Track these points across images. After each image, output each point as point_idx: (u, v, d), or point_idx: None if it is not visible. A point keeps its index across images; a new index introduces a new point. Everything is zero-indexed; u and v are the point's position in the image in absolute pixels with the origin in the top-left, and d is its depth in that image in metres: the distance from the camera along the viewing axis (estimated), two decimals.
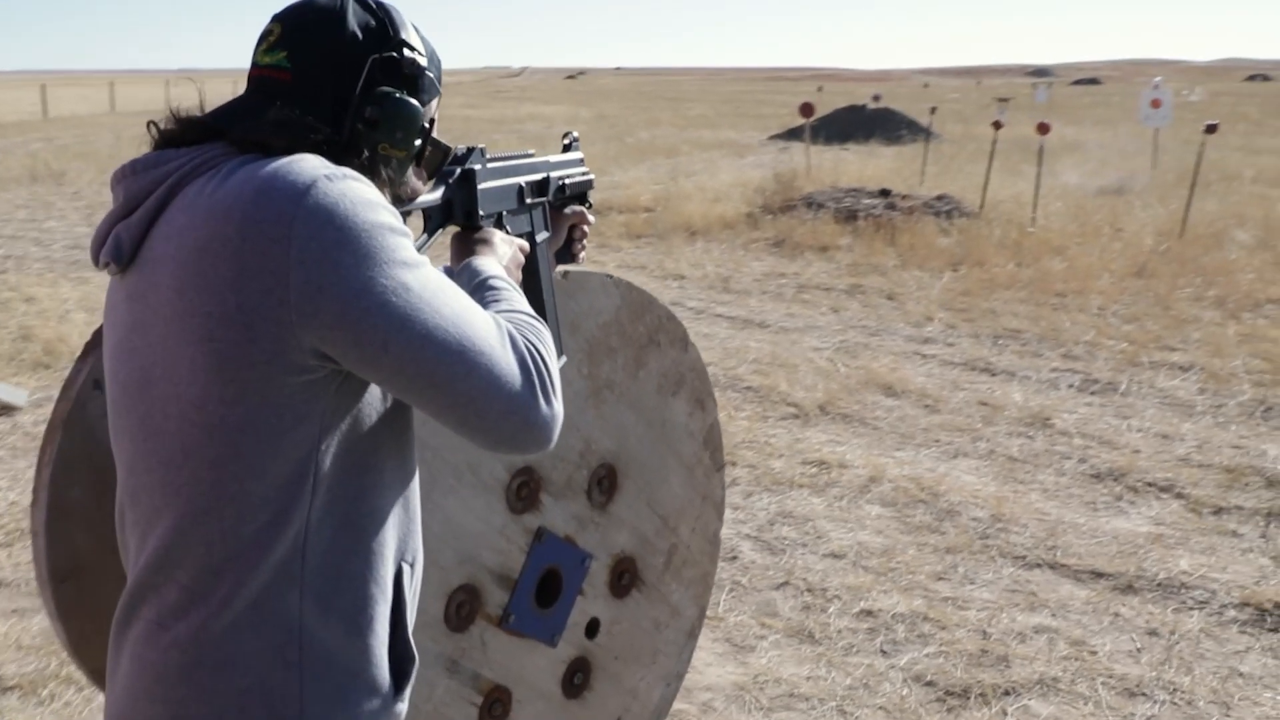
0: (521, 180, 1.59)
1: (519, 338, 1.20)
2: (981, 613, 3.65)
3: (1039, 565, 4.01)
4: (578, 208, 1.75)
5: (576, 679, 2.37)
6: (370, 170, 1.25)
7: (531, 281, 1.65)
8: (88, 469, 1.78)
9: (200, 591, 1.16)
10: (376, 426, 1.22)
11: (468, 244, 1.46)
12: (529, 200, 1.60)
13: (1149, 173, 16.22)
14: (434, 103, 1.34)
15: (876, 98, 27.18)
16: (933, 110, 18.57)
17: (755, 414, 5.61)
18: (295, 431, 1.15)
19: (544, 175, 1.65)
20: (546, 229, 1.67)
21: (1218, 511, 4.51)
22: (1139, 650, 3.42)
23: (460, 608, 2.07)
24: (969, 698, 3.14)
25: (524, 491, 2.17)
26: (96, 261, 1.26)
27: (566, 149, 1.79)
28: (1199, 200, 11.46)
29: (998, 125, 12.38)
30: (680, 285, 9.01)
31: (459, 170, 1.46)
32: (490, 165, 1.52)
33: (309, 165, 1.14)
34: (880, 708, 3.10)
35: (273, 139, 1.19)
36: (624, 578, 2.46)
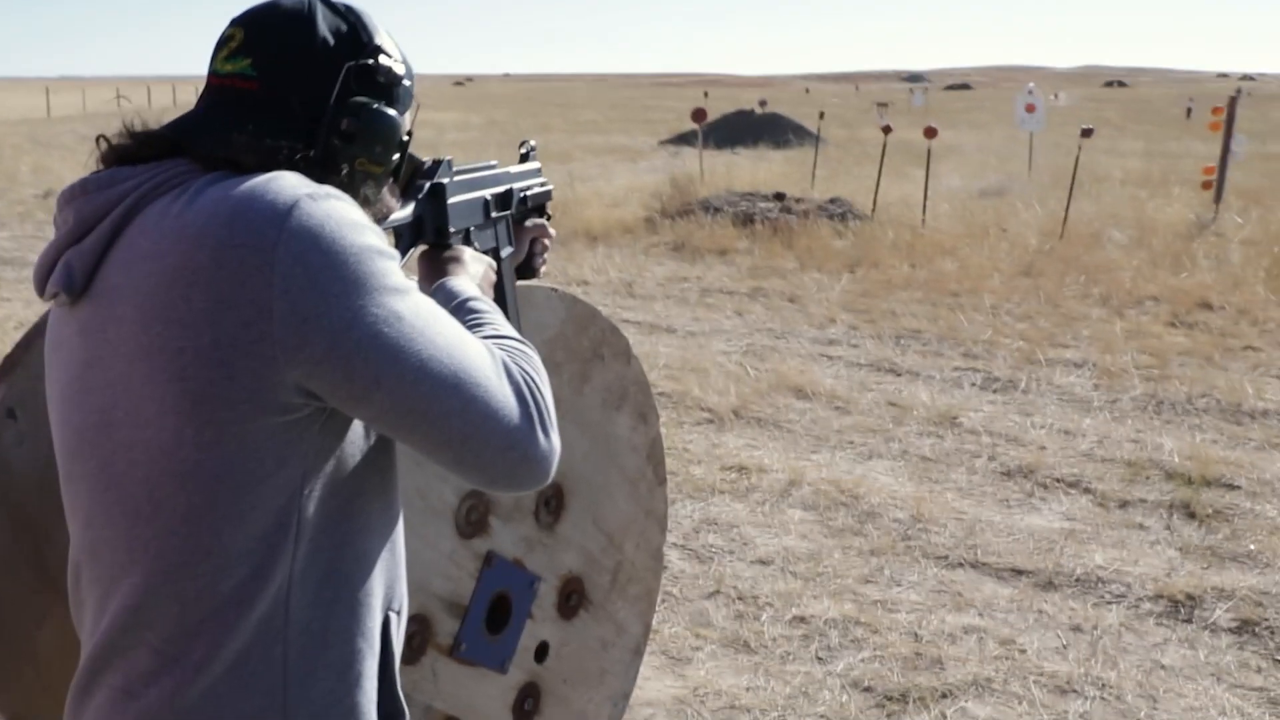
0: (487, 193, 1.49)
1: (514, 367, 1.11)
2: (911, 615, 3.66)
3: (961, 565, 4.06)
4: (538, 220, 1.66)
5: (527, 705, 2.29)
6: (349, 188, 1.13)
7: (498, 299, 1.56)
8: (3, 504, 1.62)
9: (173, 654, 1.04)
10: (361, 467, 1.11)
11: (438, 263, 1.36)
12: (494, 214, 1.51)
13: (1026, 175, 16.79)
14: (409, 114, 1.23)
15: (763, 103, 27.56)
16: (821, 115, 18.89)
17: (671, 420, 5.57)
18: (276, 476, 1.04)
19: (507, 187, 1.56)
20: (510, 243, 1.58)
21: (1123, 505, 4.64)
22: (1065, 647, 3.48)
23: (411, 639, 1.96)
24: (907, 702, 3.15)
25: (473, 515, 2.07)
26: (42, 291, 1.12)
27: (524, 158, 1.70)
28: (1075, 201, 11.89)
29: (887, 130, 12.65)
30: (584, 291, 8.93)
31: (428, 185, 1.36)
32: (457, 179, 1.42)
33: (288, 184, 1.03)
34: (822, 716, 3.08)
35: (242, 155, 1.07)
36: (572, 598, 2.39)
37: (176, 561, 1.04)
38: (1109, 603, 3.78)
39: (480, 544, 2.11)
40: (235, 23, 1.16)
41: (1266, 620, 3.63)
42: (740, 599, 3.74)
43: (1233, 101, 13.37)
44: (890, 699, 3.17)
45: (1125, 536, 4.32)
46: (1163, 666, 3.36)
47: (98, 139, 1.14)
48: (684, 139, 22.90)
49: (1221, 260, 9.93)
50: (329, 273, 0.99)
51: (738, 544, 4.16)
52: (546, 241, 1.66)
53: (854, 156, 19.17)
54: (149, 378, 1.02)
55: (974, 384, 6.41)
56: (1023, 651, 3.44)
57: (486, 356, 1.08)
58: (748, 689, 3.20)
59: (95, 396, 1.07)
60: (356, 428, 1.11)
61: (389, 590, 1.18)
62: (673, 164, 17.85)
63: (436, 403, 1.03)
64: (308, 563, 1.07)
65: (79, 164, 18.45)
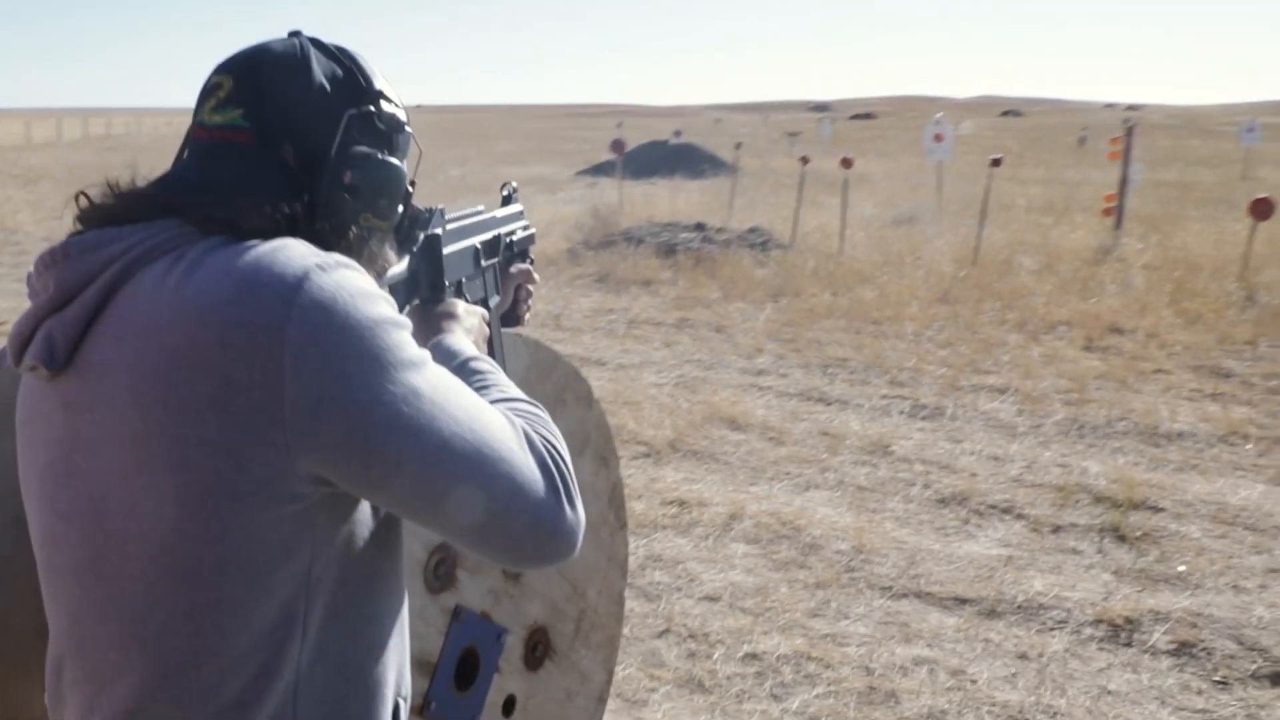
0: (476, 241, 1.44)
1: (535, 436, 1.04)
2: (861, 648, 3.67)
3: (905, 595, 4.08)
4: (523, 266, 1.61)
5: None
6: (354, 247, 1.07)
7: (489, 351, 1.51)
8: None
9: None
10: (370, 549, 1.04)
11: (432, 319, 1.29)
12: (483, 263, 1.45)
13: (935, 203, 17.20)
14: (409, 162, 1.17)
15: (677, 133, 27.82)
16: (738, 146, 19.14)
17: None
18: (284, 568, 0.97)
19: (495, 233, 1.51)
20: (498, 292, 1.53)
21: (1056, 530, 4.73)
22: (1014, 675, 3.51)
23: None
24: None
25: (441, 569, 2.01)
26: (18, 362, 1.02)
27: (506, 201, 1.65)
28: (985, 229, 12.20)
29: (805, 160, 12.84)
30: None
31: (422, 236, 1.30)
32: (450, 227, 1.36)
33: (296, 254, 0.96)
34: None
35: (241, 216, 0.99)
36: (537, 649, 2.33)
37: (177, 663, 0.97)
38: (1051, 629, 3.83)
39: (448, 598, 2.04)
40: (222, 70, 1.08)
41: (1202, 641, 3.71)
42: (691, 637, 3.70)
43: (1129, 131, 13.90)
44: None
45: (1061, 561, 4.40)
46: (1109, 692, 3.41)
47: (77, 196, 1.05)
48: (600, 169, 22.96)
49: (1127, 285, 10.25)
50: (343, 351, 0.93)
51: (684, 580, 4.13)
52: (531, 287, 1.61)
53: (769, 186, 19.43)
54: (145, 466, 0.94)
55: (902, 411, 6.49)
56: (974, 682, 3.46)
57: (508, 428, 1.02)
58: None
59: (83, 482, 0.99)
60: (365, 509, 1.04)
61: (398, 675, 1.11)
62: (591, 194, 17.87)
63: (460, 483, 0.97)
64: (316, 655, 1.00)
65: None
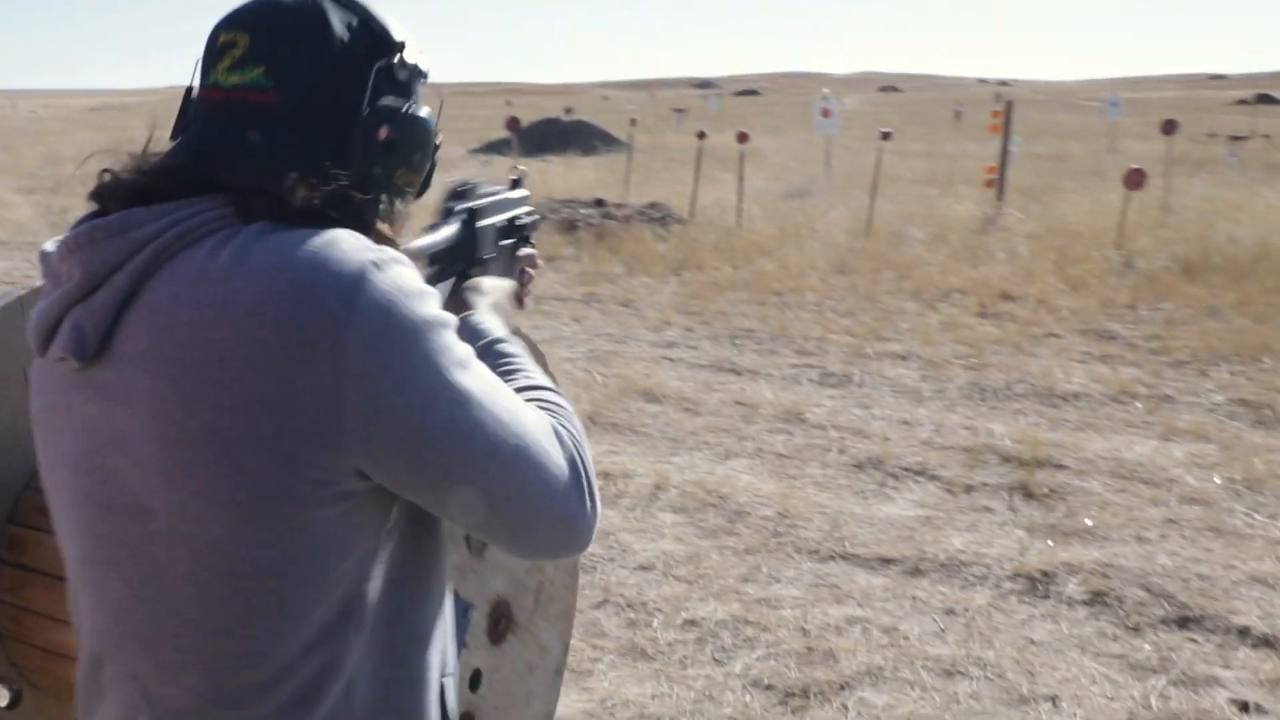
0: (498, 220, 1.41)
1: (564, 434, 1.03)
2: (795, 610, 3.74)
3: (833, 557, 4.18)
4: (529, 250, 1.58)
5: None
6: (387, 208, 1.04)
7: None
8: None
9: None
10: (415, 538, 1.03)
11: (460, 292, 1.26)
12: (501, 243, 1.42)
13: (825, 177, 17.51)
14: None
15: (569, 110, 27.71)
16: (633, 122, 19.15)
17: None
18: (339, 567, 0.94)
19: (511, 214, 1.48)
20: (509, 273, 1.50)
21: (969, 490, 4.89)
22: (943, 631, 3.63)
23: None
24: (809, 697, 3.21)
25: None
26: (44, 352, 0.96)
27: (514, 185, 1.63)
28: (876, 201, 12.48)
29: (702, 135, 12.91)
30: None
31: (465, 209, 1.28)
32: (483, 204, 1.34)
33: (350, 249, 0.92)
34: (730, 718, 3.10)
35: (286, 195, 0.94)
36: (500, 623, 2.32)
37: (233, 664, 0.94)
38: (974, 585, 3.97)
39: None
40: (232, 24, 1.00)
41: (1114, 590, 3.89)
42: (630, 606, 3.72)
43: (1009, 106, 14.36)
44: (792, 695, 3.22)
45: (976, 520, 4.55)
46: (1033, 642, 3.56)
47: (102, 173, 0.98)
48: (494, 147, 22.71)
49: (1013, 253, 10.62)
50: (403, 357, 0.91)
51: (617, 551, 4.14)
52: (533, 271, 1.58)
53: (662, 161, 19.50)
54: (193, 468, 0.90)
55: (811, 380, 6.61)
56: (906, 638, 3.56)
57: (544, 426, 1.01)
58: (653, 696, 3.19)
59: (123, 480, 0.94)
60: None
61: (443, 656, 1.09)
62: (486, 172, 17.65)
63: (498, 486, 0.96)
64: (368, 647, 0.98)
65: None
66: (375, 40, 1.04)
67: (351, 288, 0.89)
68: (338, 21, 1.02)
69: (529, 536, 1.01)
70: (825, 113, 17.81)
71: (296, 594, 0.93)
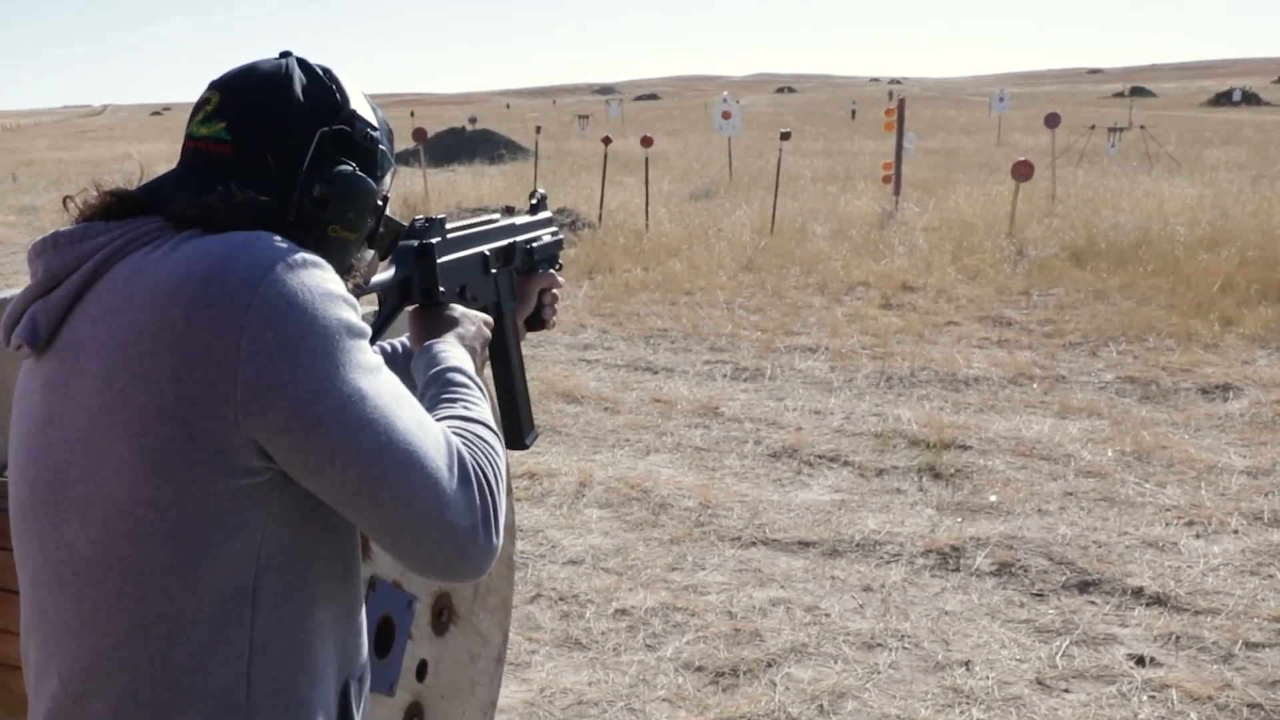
0: (485, 249, 1.48)
1: (470, 462, 1.07)
2: (721, 595, 3.87)
3: (754, 543, 4.33)
4: (548, 272, 1.63)
5: None
6: (320, 254, 1.12)
7: (499, 354, 1.55)
8: None
9: None
10: (323, 531, 1.10)
11: (428, 322, 1.34)
12: (493, 269, 1.49)
13: (727, 177, 17.80)
14: (388, 178, 1.24)
15: (473, 120, 27.63)
16: (538, 130, 19.20)
17: None
18: (234, 541, 1.02)
19: (509, 241, 1.54)
20: (513, 298, 1.56)
21: (880, 473, 5.09)
22: (862, 607, 3.80)
23: None
24: (738, 675, 3.34)
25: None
26: (8, 342, 1.08)
27: (534, 209, 1.68)
28: (779, 199, 12.76)
29: (608, 141, 13.03)
30: None
31: (416, 245, 1.34)
32: (451, 237, 1.40)
33: (266, 246, 1.02)
34: (664, 700, 3.21)
35: (214, 212, 1.06)
36: (443, 614, 2.40)
37: (127, 626, 1.02)
38: (888, 562, 4.15)
39: (364, 570, 2.08)
40: (213, 86, 1.16)
41: (1019, 561, 4.12)
42: (562, 599, 3.81)
43: (902, 104, 14.80)
44: (722, 674, 3.35)
45: (888, 501, 4.75)
46: (946, 613, 3.75)
47: (64, 200, 1.13)
48: (399, 158, 22.50)
49: (912, 246, 10.97)
50: (299, 342, 0.98)
51: (546, 547, 4.23)
52: (556, 292, 1.64)
53: (568, 168, 19.58)
54: (108, 433, 1.00)
55: (725, 375, 6.78)
56: (827, 615, 3.73)
57: (443, 446, 1.06)
58: (589, 684, 3.29)
59: (53, 452, 1.04)
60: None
61: (349, 656, 1.16)
62: (395, 184, 17.48)
63: (385, 488, 1.01)
64: (271, 631, 1.05)
65: None
66: (329, 108, 1.16)
67: (259, 276, 0.99)
68: (299, 89, 1.15)
69: (415, 548, 1.04)
70: (726, 115, 18.11)
71: (189, 560, 1.00)
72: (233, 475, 1.00)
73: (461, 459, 1.06)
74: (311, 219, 1.13)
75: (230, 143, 1.11)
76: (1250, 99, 51.04)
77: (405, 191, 14.59)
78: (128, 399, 0.98)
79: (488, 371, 1.48)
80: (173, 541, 0.99)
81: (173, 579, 1.00)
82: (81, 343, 1.03)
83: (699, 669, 3.38)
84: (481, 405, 1.19)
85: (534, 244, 1.60)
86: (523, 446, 1.66)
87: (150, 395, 0.97)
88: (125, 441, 0.98)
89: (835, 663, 3.42)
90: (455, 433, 1.10)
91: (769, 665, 3.40)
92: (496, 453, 1.13)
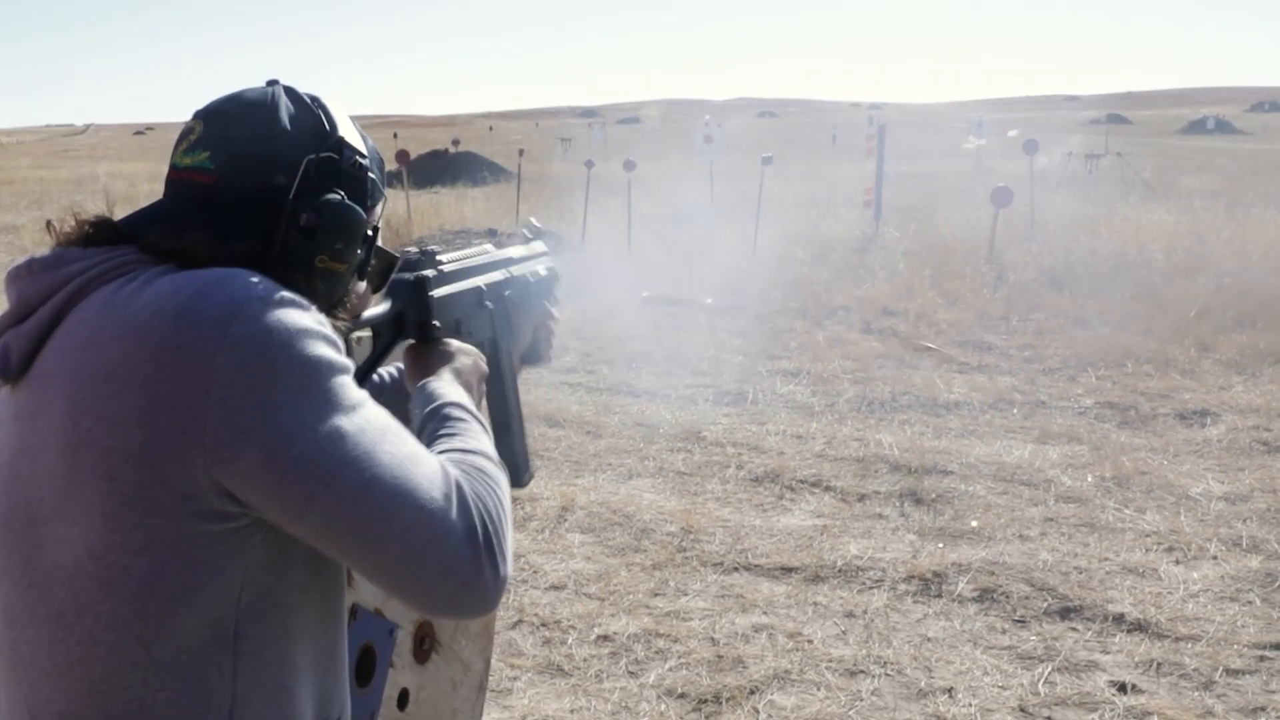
0: (480, 281, 1.45)
1: (469, 492, 1.03)
2: (703, 621, 3.86)
3: (736, 569, 4.32)
4: (544, 306, 1.59)
5: None
6: (307, 287, 1.09)
7: (495, 389, 1.51)
8: None
9: None
10: (306, 575, 1.07)
11: (423, 359, 1.29)
12: (489, 303, 1.46)
13: (709, 201, 17.86)
14: (378, 208, 1.21)
15: (456, 142, 27.67)
16: (521, 153, 19.24)
17: None
18: (211, 587, 0.99)
19: (505, 274, 1.51)
20: (510, 332, 1.52)
21: (861, 498, 5.10)
22: (844, 633, 3.80)
23: None
24: (720, 703, 3.33)
25: None
26: None
27: (529, 241, 1.67)
28: (759, 223, 12.81)
29: (590, 164, 13.08)
30: None
31: (410, 278, 1.31)
32: (445, 270, 1.37)
33: (241, 284, 1.00)
34: None
35: (194, 247, 1.04)
36: (425, 642, 2.38)
37: (102, 672, 1.00)
38: (871, 588, 4.15)
39: (346, 598, 2.06)
40: (197, 115, 1.14)
41: (1000, 587, 4.12)
42: (544, 625, 3.79)
43: (882, 129, 14.91)
44: (704, 701, 3.33)
45: (870, 527, 4.75)
46: (929, 639, 3.75)
47: (48, 224, 1.10)
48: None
49: (893, 270, 11.03)
50: (271, 385, 0.96)
51: (529, 572, 4.21)
52: (551, 325, 1.59)
53: (550, 190, 19.62)
54: (75, 474, 0.98)
55: (707, 399, 6.78)
56: (810, 642, 3.72)
57: (438, 477, 1.02)
58: (572, 711, 3.27)
59: (23, 486, 1.02)
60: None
61: (327, 697, 1.14)
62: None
63: (374, 525, 0.97)
64: (252, 680, 1.03)
65: None
66: (316, 136, 1.13)
67: (230, 316, 0.97)
68: (285, 117, 1.12)
69: (416, 585, 1.00)
70: (708, 139, 18.22)
71: (164, 607, 0.98)
72: (207, 520, 0.97)
73: (460, 489, 1.03)
74: (298, 250, 1.10)
75: (214, 172, 1.09)
76: (1224, 127, 51.75)
77: (388, 214, 14.54)
78: (94, 440, 0.96)
79: (484, 406, 1.46)
80: (147, 589, 0.97)
81: (146, 626, 0.98)
82: (50, 374, 1.01)
83: (681, 696, 3.37)
84: (481, 438, 1.16)
85: (530, 276, 1.57)
86: (520, 485, 1.63)
87: (117, 439, 0.95)
88: (93, 484, 0.96)
89: (818, 690, 3.41)
90: (453, 464, 1.07)
91: (751, 692, 3.39)
92: (498, 483, 1.09)
